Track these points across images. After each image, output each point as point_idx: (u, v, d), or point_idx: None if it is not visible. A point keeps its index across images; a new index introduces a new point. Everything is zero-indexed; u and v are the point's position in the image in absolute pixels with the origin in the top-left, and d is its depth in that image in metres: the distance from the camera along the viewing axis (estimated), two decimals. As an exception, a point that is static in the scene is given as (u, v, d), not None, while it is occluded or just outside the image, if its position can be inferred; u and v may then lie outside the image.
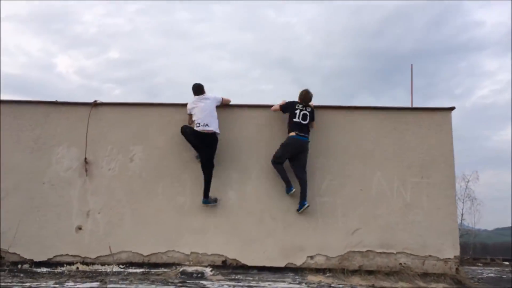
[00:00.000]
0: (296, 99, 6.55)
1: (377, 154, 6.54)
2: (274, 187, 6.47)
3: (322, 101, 6.69)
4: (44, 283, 5.16)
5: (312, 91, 6.54)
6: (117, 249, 6.29)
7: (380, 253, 6.23)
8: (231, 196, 6.49)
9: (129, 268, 6.17)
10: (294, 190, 6.29)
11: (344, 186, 6.46)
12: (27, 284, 5.03)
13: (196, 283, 5.36)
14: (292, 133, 6.31)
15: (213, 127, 6.26)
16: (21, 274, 5.87)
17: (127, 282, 5.35)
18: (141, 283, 5.24)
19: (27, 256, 6.34)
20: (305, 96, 6.49)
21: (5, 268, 6.14)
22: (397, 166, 6.49)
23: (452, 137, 6.58)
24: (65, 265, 6.27)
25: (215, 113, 6.37)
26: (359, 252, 6.24)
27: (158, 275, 5.87)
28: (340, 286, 5.48)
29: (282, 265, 6.24)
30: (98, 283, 5.25)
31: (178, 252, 6.31)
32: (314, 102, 6.62)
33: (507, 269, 8.56)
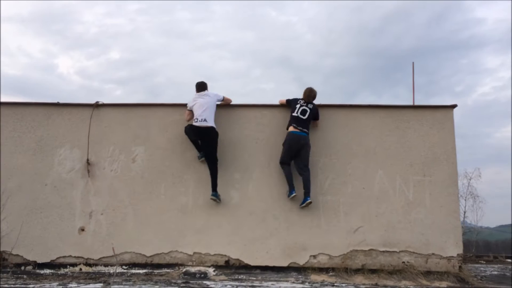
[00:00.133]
0: (300, 97, 6.61)
1: (379, 153, 6.53)
2: (277, 187, 6.46)
3: (323, 99, 6.69)
4: (48, 285, 5.17)
5: (315, 89, 6.58)
6: (120, 250, 6.29)
7: (383, 251, 6.22)
8: (233, 195, 6.49)
9: (132, 269, 6.18)
10: (295, 195, 6.27)
11: (347, 184, 6.46)
12: (31, 286, 5.04)
13: (199, 283, 5.36)
14: (290, 128, 6.36)
15: (212, 123, 6.28)
16: (25, 276, 5.88)
17: (130, 283, 5.36)
18: (144, 284, 5.24)
19: (30, 257, 6.35)
20: (309, 93, 6.54)
21: (9, 269, 6.15)
22: (399, 164, 6.48)
23: (454, 135, 6.58)
24: (68, 266, 6.28)
25: (214, 111, 6.39)
26: (362, 251, 6.24)
27: (161, 275, 5.88)
28: (343, 285, 5.48)
29: (285, 264, 6.24)
30: (101, 284, 5.25)
31: (181, 252, 6.31)
32: (316, 101, 6.62)
33: (510, 267, 8.56)
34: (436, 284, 5.79)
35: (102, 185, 6.56)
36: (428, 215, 6.31)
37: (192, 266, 6.19)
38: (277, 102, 6.82)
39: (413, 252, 6.21)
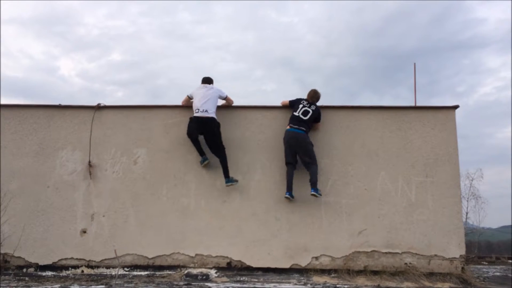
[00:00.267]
0: (303, 97, 6.68)
1: (381, 154, 6.52)
2: (278, 188, 6.45)
3: (325, 100, 6.71)
4: (49, 287, 5.16)
5: (319, 91, 6.63)
6: (121, 252, 6.29)
7: (385, 253, 6.21)
8: (235, 197, 6.48)
9: (134, 271, 6.17)
10: (288, 197, 6.29)
11: (349, 186, 6.45)
12: (33, 288, 5.04)
13: (201, 285, 5.35)
14: (287, 127, 6.41)
15: (213, 114, 6.28)
16: (26, 278, 5.88)
17: (132, 285, 5.35)
18: (146, 286, 5.24)
19: (32, 260, 6.35)
20: (313, 95, 6.60)
21: (10, 272, 6.15)
22: (401, 166, 6.47)
23: (456, 135, 6.56)
24: (70, 268, 6.27)
25: (216, 105, 6.41)
26: (364, 252, 6.23)
27: (163, 277, 5.88)
28: (346, 286, 5.47)
29: (287, 266, 6.23)
30: (103, 286, 5.25)
31: (182, 254, 6.31)
32: (319, 102, 6.64)
33: (512, 268, 8.53)
34: (439, 285, 5.77)
35: (104, 187, 6.56)
36: (431, 216, 6.30)
37: (194, 268, 6.19)
38: (278, 103, 6.82)
39: (416, 254, 6.19)
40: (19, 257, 6.34)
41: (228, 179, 6.35)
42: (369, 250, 6.23)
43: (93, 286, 5.22)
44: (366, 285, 5.62)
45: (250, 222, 6.39)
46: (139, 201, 6.50)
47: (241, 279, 5.85)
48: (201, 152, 6.44)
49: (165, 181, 6.55)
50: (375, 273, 6.08)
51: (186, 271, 6.02)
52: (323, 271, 6.14)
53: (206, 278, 5.82)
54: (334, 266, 6.19)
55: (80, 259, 6.34)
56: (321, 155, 6.50)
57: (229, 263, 6.27)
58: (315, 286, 5.42)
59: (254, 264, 6.26)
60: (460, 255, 6.20)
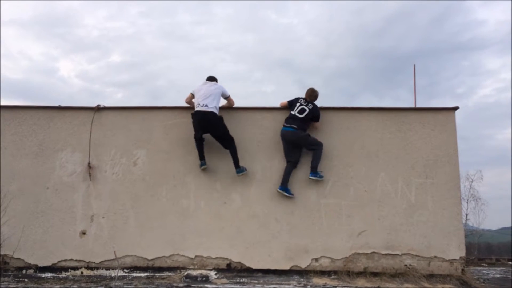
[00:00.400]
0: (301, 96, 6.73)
1: (381, 155, 6.52)
2: (278, 190, 6.46)
3: (324, 102, 6.70)
4: (49, 288, 5.16)
5: (318, 90, 6.66)
6: (121, 253, 6.29)
7: (385, 254, 6.20)
8: (235, 198, 6.48)
9: (133, 273, 6.17)
10: (281, 192, 6.33)
11: (348, 187, 6.44)
12: (32, 290, 5.03)
13: (201, 287, 5.35)
14: (282, 127, 6.48)
15: (213, 109, 6.28)
16: (26, 280, 5.86)
17: (132, 286, 5.34)
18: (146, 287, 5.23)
19: (31, 261, 6.34)
20: (310, 93, 6.65)
21: (10, 273, 6.14)
22: (401, 167, 6.47)
23: (456, 137, 6.56)
24: (69, 270, 6.26)
25: (217, 100, 6.41)
26: (364, 254, 6.22)
27: (163, 279, 5.86)
28: (346, 288, 5.47)
29: (287, 267, 6.23)
30: (102, 287, 5.24)
31: (182, 255, 6.30)
32: (318, 103, 6.67)
33: (512, 269, 8.51)
34: (439, 287, 5.77)
35: (104, 189, 6.56)
36: (430, 217, 6.30)
37: (194, 269, 6.18)
38: (278, 105, 6.83)
39: (416, 255, 6.19)
40: (19, 259, 6.34)
41: (239, 169, 6.37)
42: (369, 251, 6.22)
43: (92, 288, 5.22)
44: (366, 287, 5.61)
45: (250, 224, 6.39)
46: (138, 202, 6.50)
47: (241, 280, 5.84)
48: (201, 156, 6.42)
49: (164, 182, 6.55)
50: (375, 274, 6.07)
51: (185, 273, 6.01)
52: (323, 273, 6.13)
53: (206, 279, 5.81)
54: (334, 267, 6.19)
55: (80, 260, 6.33)
56: (321, 156, 6.49)
57: (229, 265, 6.26)
58: (315, 288, 5.41)
59: (254, 265, 6.25)
60: (460, 257, 6.19)
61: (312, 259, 6.24)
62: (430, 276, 6.05)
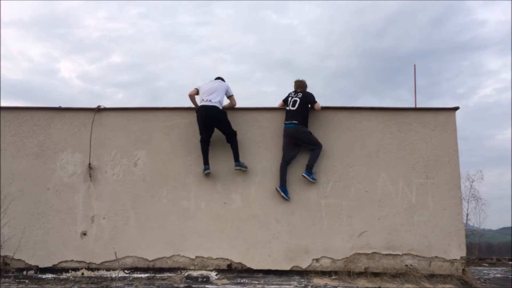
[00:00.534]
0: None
1: (381, 155, 6.52)
2: (279, 190, 6.45)
3: (325, 102, 6.71)
4: (50, 289, 5.16)
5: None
6: (122, 254, 6.29)
7: (386, 255, 6.20)
8: (235, 199, 6.48)
9: (134, 273, 6.16)
10: (279, 190, 6.33)
11: (349, 187, 6.44)
12: (33, 291, 5.03)
13: (202, 287, 5.35)
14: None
15: (216, 103, 6.32)
16: (26, 281, 5.86)
17: (133, 287, 5.34)
18: (147, 288, 5.23)
19: (32, 262, 6.34)
20: (298, 85, 6.78)
21: (11, 274, 6.15)
22: (401, 167, 6.47)
23: (456, 137, 6.56)
24: (70, 271, 6.26)
25: (221, 96, 6.46)
26: (364, 254, 6.22)
27: (163, 280, 5.87)
28: (347, 288, 5.46)
29: (288, 268, 6.22)
30: (103, 288, 5.25)
31: (183, 256, 6.30)
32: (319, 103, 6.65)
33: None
34: (440, 287, 5.76)
35: (104, 189, 6.56)
36: (431, 218, 6.29)
37: (194, 270, 6.18)
38: (277, 105, 6.86)
39: (416, 255, 6.19)
40: (19, 260, 6.34)
41: (238, 162, 6.38)
42: (369, 252, 6.22)
43: (93, 289, 5.22)
44: (366, 287, 5.61)
45: (250, 224, 6.39)
46: (139, 203, 6.50)
47: (242, 281, 5.84)
48: (205, 161, 6.41)
49: (165, 183, 6.55)
50: (376, 275, 6.07)
51: (186, 273, 6.01)
52: (323, 273, 6.13)
53: (207, 280, 5.81)
54: (334, 268, 6.18)
55: (80, 261, 6.33)
56: (321, 157, 6.49)
57: (229, 265, 6.26)
58: (316, 288, 5.41)
59: (255, 266, 6.25)
60: (461, 257, 6.19)
61: (313, 259, 6.24)
62: (431, 276, 6.05)
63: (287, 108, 6.54)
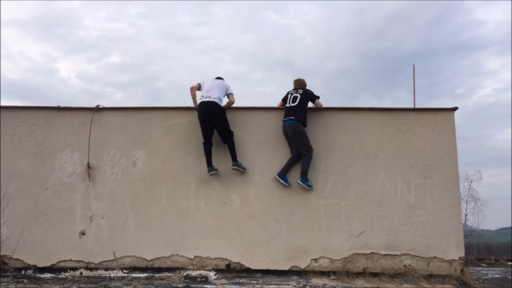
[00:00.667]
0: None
1: (380, 156, 6.52)
2: (277, 190, 6.46)
3: (324, 102, 6.70)
4: (48, 289, 5.15)
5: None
6: (120, 254, 6.29)
7: (385, 255, 6.21)
8: (234, 199, 6.48)
9: (132, 273, 6.16)
10: (278, 178, 6.37)
11: (348, 188, 6.45)
12: (31, 290, 5.03)
13: (200, 287, 5.34)
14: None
15: (215, 99, 6.37)
16: (25, 280, 5.86)
17: (131, 287, 5.35)
18: (146, 288, 5.23)
19: (30, 262, 6.34)
20: (298, 83, 6.78)
21: (9, 274, 6.14)
22: (400, 167, 6.47)
23: (455, 137, 6.57)
24: (68, 270, 6.26)
25: (220, 93, 6.51)
26: (363, 254, 6.22)
27: (162, 279, 5.87)
28: (345, 288, 5.47)
29: (286, 268, 6.23)
30: (102, 288, 5.25)
31: (181, 256, 6.30)
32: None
33: (511, 270, 8.52)
34: (438, 287, 5.77)
35: (103, 189, 6.55)
36: (430, 218, 6.30)
37: (193, 270, 6.18)
38: (277, 105, 6.86)
39: (415, 256, 6.19)
40: (18, 259, 6.33)
41: (235, 162, 6.39)
42: (368, 252, 6.22)
43: (92, 288, 5.21)
44: (365, 287, 5.61)
45: (249, 224, 6.39)
46: (138, 203, 6.50)
47: (240, 281, 5.84)
48: (209, 163, 6.41)
49: (164, 183, 6.55)
50: (374, 275, 6.08)
51: (185, 273, 6.01)
52: (322, 273, 6.13)
53: (205, 280, 5.81)
54: (333, 268, 6.19)
55: (79, 261, 6.33)
56: (320, 157, 6.51)
57: (228, 265, 6.26)
58: (315, 288, 5.41)
59: (253, 266, 6.25)
60: (459, 257, 6.20)
61: (312, 259, 6.24)
62: (430, 277, 6.05)
63: (287, 105, 6.56)
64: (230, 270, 6.22)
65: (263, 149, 6.61)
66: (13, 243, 6.28)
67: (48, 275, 6.15)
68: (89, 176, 6.56)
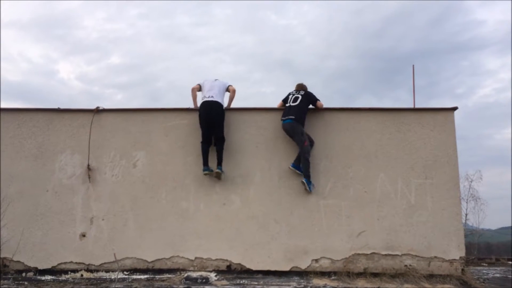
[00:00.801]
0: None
1: (380, 156, 6.52)
2: (277, 191, 6.46)
3: (324, 102, 6.71)
4: (49, 291, 5.15)
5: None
6: (121, 256, 6.28)
7: (385, 255, 6.20)
8: (234, 200, 6.48)
9: (133, 275, 6.16)
10: (292, 168, 6.42)
11: (348, 188, 6.44)
12: (32, 292, 5.02)
13: (201, 289, 5.34)
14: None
15: (218, 99, 6.46)
16: (26, 282, 5.85)
17: (132, 288, 5.34)
18: (146, 290, 5.22)
19: (31, 264, 6.33)
20: (300, 87, 6.86)
21: (10, 276, 6.14)
22: (400, 167, 6.47)
23: (455, 137, 6.57)
24: (69, 272, 6.26)
25: (222, 92, 6.63)
26: (364, 254, 6.22)
27: (163, 281, 5.86)
28: (346, 289, 5.46)
29: (287, 268, 6.22)
30: (103, 290, 5.24)
31: (182, 257, 6.30)
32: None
33: (512, 269, 8.51)
34: (439, 287, 5.77)
35: (103, 191, 6.55)
36: (430, 218, 6.30)
37: (194, 271, 6.17)
38: (277, 105, 6.86)
39: (415, 255, 6.19)
40: (18, 261, 6.33)
41: (220, 166, 6.41)
42: (369, 252, 6.22)
43: (92, 290, 5.21)
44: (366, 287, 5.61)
45: (249, 225, 6.39)
46: (138, 204, 6.49)
47: (241, 282, 5.84)
48: (205, 162, 6.41)
49: (164, 184, 6.54)
50: (375, 275, 6.07)
51: (185, 275, 6.01)
52: (323, 274, 6.13)
53: (206, 281, 5.81)
54: (334, 268, 6.19)
55: (80, 263, 6.33)
56: (320, 157, 6.51)
57: (228, 266, 6.26)
58: (315, 289, 5.40)
59: (254, 267, 6.25)
60: (460, 257, 6.20)
61: (312, 260, 6.24)
62: (430, 277, 6.05)
63: (287, 104, 6.60)
64: (231, 271, 6.21)
65: (263, 150, 6.61)
66: (14, 245, 6.28)
67: (48, 277, 6.15)
68: (89, 177, 6.56)
